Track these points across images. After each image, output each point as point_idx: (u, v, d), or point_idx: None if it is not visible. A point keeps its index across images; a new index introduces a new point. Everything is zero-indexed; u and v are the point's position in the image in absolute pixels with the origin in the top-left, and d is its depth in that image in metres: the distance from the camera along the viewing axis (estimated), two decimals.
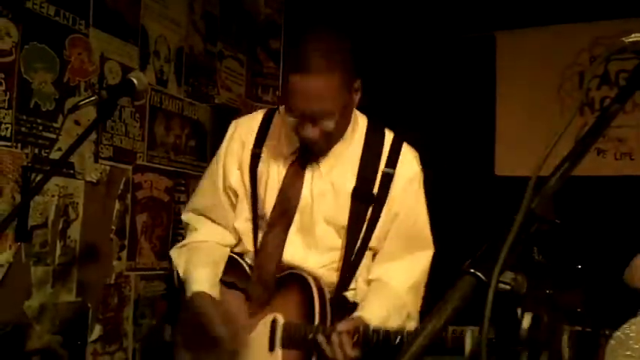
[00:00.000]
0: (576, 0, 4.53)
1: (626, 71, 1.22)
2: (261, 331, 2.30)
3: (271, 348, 2.26)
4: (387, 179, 2.33)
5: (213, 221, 2.51)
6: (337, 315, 2.27)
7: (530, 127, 4.56)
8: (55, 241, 2.95)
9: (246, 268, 2.42)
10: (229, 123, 4.19)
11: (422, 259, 2.43)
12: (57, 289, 2.96)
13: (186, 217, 2.59)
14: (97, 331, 3.18)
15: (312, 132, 2.20)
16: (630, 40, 1.09)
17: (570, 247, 3.81)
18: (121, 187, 3.34)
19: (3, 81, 2.69)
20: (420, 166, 2.43)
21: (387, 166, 2.34)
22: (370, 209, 2.32)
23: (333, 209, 2.33)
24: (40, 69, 2.86)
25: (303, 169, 2.36)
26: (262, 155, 2.42)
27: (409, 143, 2.47)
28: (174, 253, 2.51)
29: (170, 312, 3.22)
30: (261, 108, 4.48)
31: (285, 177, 2.37)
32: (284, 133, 2.42)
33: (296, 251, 2.35)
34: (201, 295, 2.30)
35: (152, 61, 3.55)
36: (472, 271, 0.94)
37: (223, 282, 2.41)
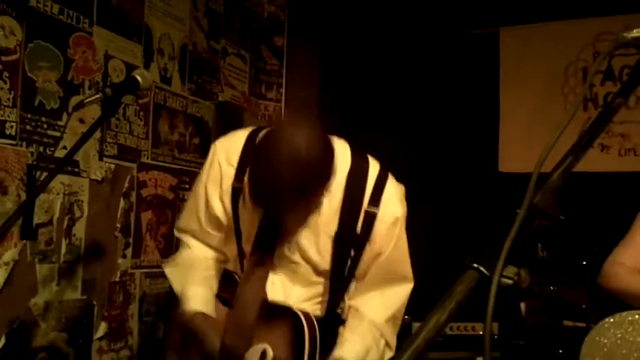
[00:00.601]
0: None
1: (630, 67, 1.22)
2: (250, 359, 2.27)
3: None
4: (370, 218, 2.26)
5: (201, 242, 2.49)
6: (327, 339, 2.28)
7: (534, 123, 4.57)
8: (61, 239, 2.95)
9: None
10: (233, 120, 4.23)
11: (401, 292, 2.41)
12: (62, 286, 2.97)
13: (178, 234, 2.58)
14: (102, 328, 3.19)
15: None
16: (632, 35, 1.09)
17: (574, 244, 3.81)
18: (126, 185, 3.34)
19: (7, 79, 2.70)
20: (404, 206, 2.34)
21: (370, 204, 2.26)
22: (352, 253, 2.29)
23: (313, 253, 2.30)
24: (45, 67, 2.87)
25: None
26: (243, 190, 2.29)
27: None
28: (167, 268, 2.50)
29: (165, 310, 3.36)
30: (264, 105, 4.55)
31: (260, 221, 2.28)
32: None
33: (278, 289, 2.34)
34: (197, 315, 2.28)
35: (156, 59, 3.56)
36: (475, 265, 0.95)
37: (219, 297, 2.39)
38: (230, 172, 2.32)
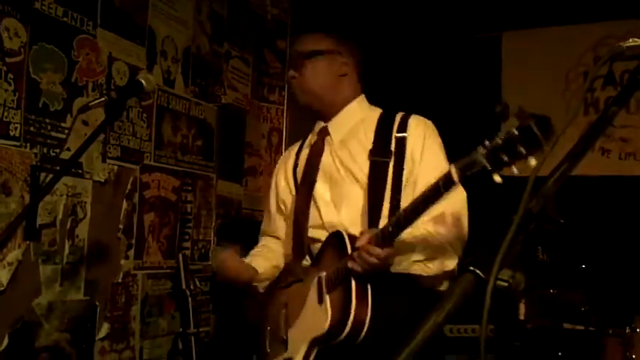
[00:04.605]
0: (581, 1, 4.55)
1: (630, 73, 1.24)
2: (312, 294, 2.40)
3: (320, 300, 2.34)
4: (401, 142, 2.44)
5: (271, 235, 2.84)
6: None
7: None
8: (64, 240, 2.97)
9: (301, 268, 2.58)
10: (235, 122, 4.26)
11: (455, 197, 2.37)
12: (65, 287, 2.99)
13: (259, 238, 2.91)
14: (104, 329, 3.21)
15: (290, 74, 2.58)
16: (627, 45, 1.12)
17: (574, 247, 3.82)
18: (129, 186, 3.36)
19: (12, 81, 2.72)
20: (433, 126, 2.54)
21: (398, 132, 2.47)
22: (391, 167, 2.41)
23: (354, 168, 2.47)
24: (49, 69, 2.89)
25: (322, 144, 2.59)
26: (298, 162, 2.70)
27: None
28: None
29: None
30: (267, 108, 4.57)
31: (308, 156, 2.64)
32: (309, 138, 2.71)
33: (329, 209, 2.49)
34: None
35: (159, 62, 3.58)
36: (471, 268, 0.97)
37: (284, 286, 2.59)
38: (291, 159, 2.75)
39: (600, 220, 4.17)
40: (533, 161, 1.49)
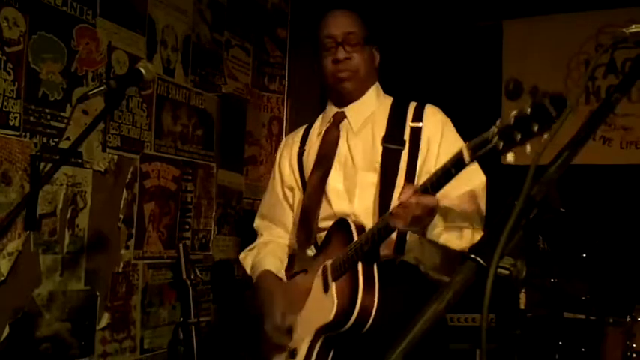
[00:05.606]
0: None
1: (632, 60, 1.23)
2: (316, 283, 2.38)
3: (326, 289, 2.32)
4: (416, 131, 2.43)
5: (275, 224, 2.78)
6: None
7: None
8: (64, 229, 2.97)
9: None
10: (236, 112, 4.24)
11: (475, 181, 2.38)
12: (66, 277, 2.98)
13: (256, 222, 2.88)
14: (105, 318, 3.21)
15: (343, 54, 2.47)
16: (631, 31, 1.11)
17: (575, 236, 3.82)
18: (129, 176, 3.36)
19: (11, 71, 2.71)
20: (447, 118, 2.51)
21: (413, 121, 2.46)
22: (404, 155, 2.39)
23: (367, 156, 2.45)
24: (48, 59, 2.88)
25: (338, 128, 2.55)
26: (305, 149, 2.67)
27: None
28: (242, 255, 2.80)
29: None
30: (267, 97, 4.56)
31: (322, 141, 2.59)
32: (319, 124, 2.69)
33: (341, 200, 2.46)
34: (266, 273, 2.58)
35: (159, 51, 3.57)
36: (472, 256, 0.97)
37: (288, 277, 2.60)
38: (296, 144, 2.72)
39: (601, 209, 4.17)
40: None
